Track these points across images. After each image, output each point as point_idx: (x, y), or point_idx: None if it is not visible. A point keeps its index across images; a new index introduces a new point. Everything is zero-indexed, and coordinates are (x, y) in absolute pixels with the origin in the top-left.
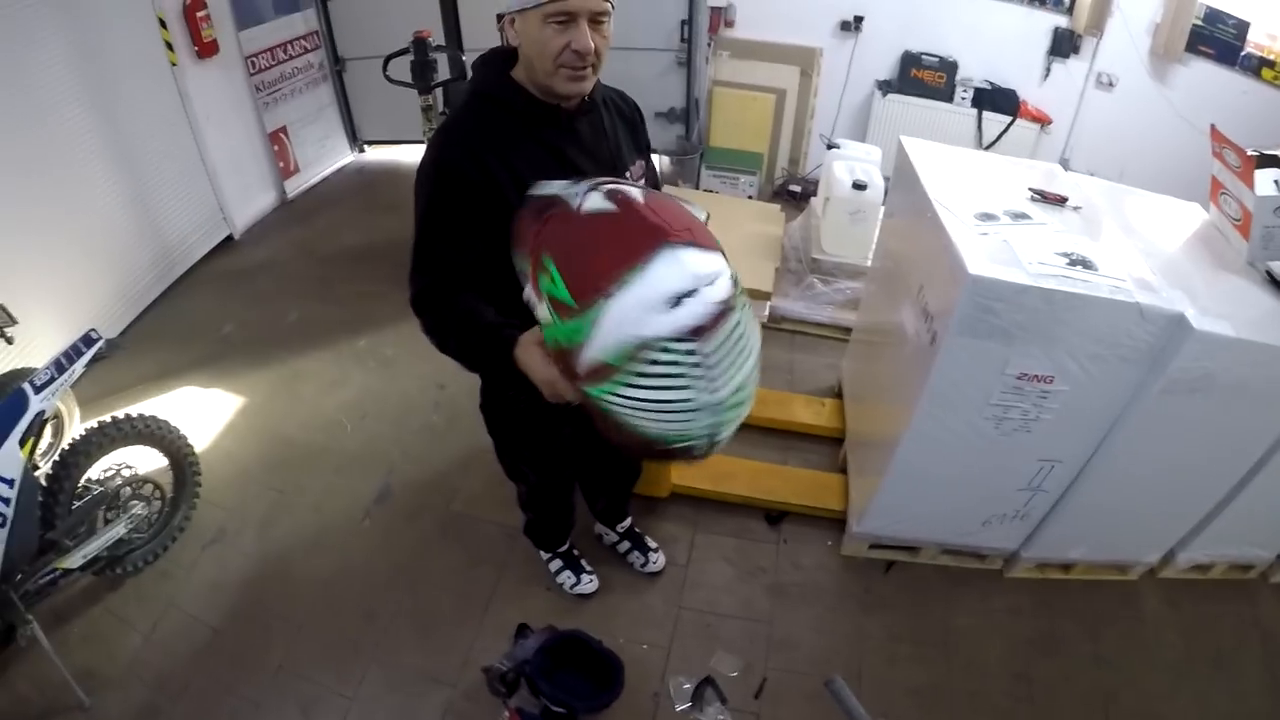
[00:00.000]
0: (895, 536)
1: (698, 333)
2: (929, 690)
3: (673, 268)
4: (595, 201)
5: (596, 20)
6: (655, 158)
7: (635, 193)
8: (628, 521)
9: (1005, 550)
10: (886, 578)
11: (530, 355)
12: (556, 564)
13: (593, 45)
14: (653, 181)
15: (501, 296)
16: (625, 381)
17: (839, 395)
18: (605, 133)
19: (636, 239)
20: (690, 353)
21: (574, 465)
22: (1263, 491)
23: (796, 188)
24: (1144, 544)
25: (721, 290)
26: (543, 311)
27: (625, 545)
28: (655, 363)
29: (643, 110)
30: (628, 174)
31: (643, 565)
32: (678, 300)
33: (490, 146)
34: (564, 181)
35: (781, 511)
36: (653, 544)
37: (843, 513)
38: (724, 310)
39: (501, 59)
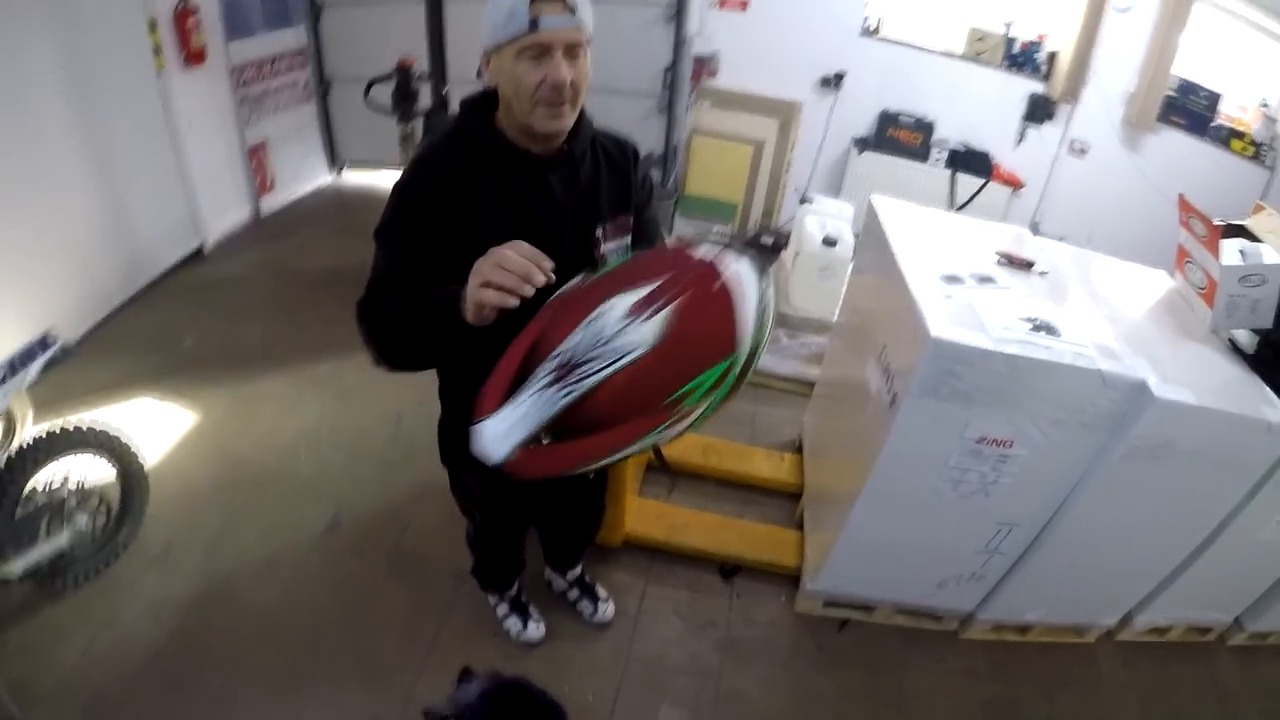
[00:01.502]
0: (850, 595)
1: None
2: None
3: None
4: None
5: (572, 52)
6: None
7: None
8: (578, 569)
9: (961, 611)
10: (840, 635)
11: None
12: (503, 608)
13: (568, 78)
14: (647, 233)
15: None
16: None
17: (799, 450)
18: (579, 187)
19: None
20: None
21: (527, 511)
22: (1221, 555)
23: (768, 239)
24: (1102, 607)
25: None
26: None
27: (575, 593)
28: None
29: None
30: (599, 229)
31: (592, 615)
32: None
33: (455, 180)
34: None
35: (736, 565)
36: (603, 593)
37: (798, 569)
38: None
39: (487, 102)
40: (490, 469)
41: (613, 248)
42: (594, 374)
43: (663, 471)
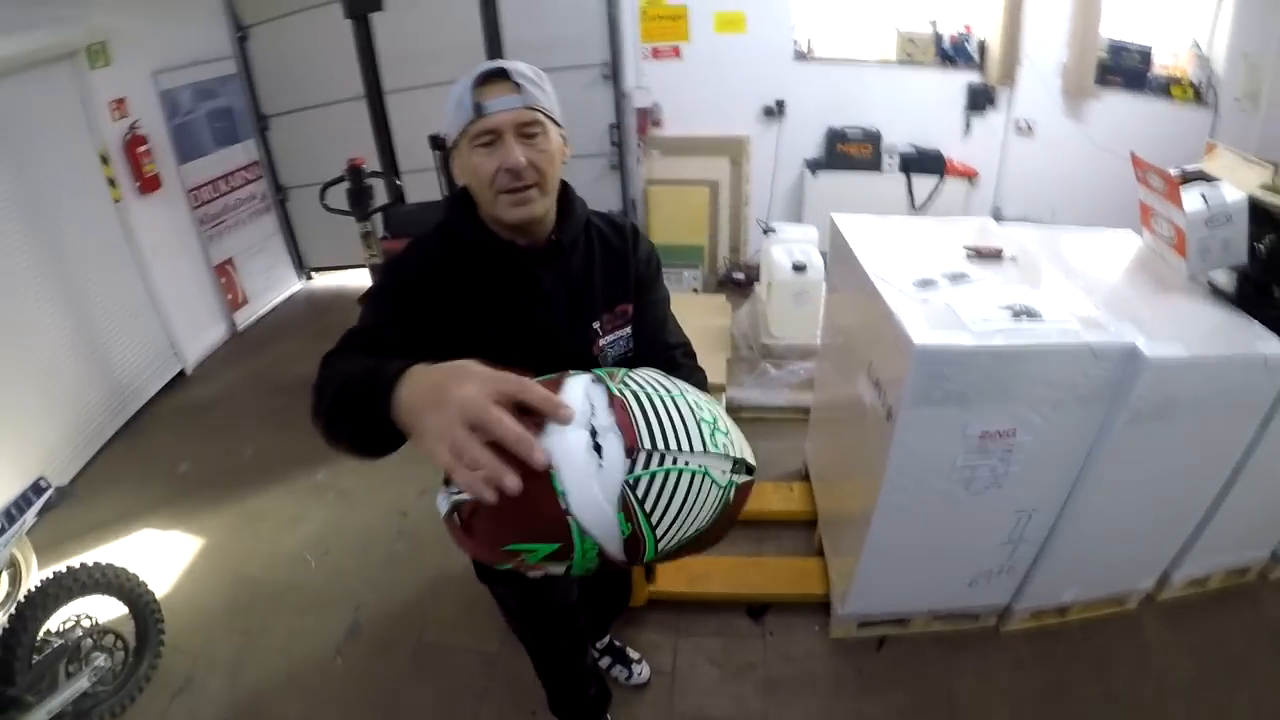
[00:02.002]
0: (883, 612)
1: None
2: None
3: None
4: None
5: (526, 133)
6: None
7: None
8: (607, 638)
9: (997, 606)
10: (880, 655)
11: (427, 379)
12: None
13: (523, 160)
14: (654, 314)
15: None
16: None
17: (806, 478)
18: (571, 279)
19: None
20: None
21: (570, 618)
22: (1245, 495)
23: (740, 275)
24: (1136, 572)
25: None
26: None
27: (607, 660)
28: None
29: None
30: (596, 325)
31: (628, 679)
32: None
33: (444, 269)
34: None
35: (764, 604)
36: (635, 655)
37: (826, 596)
38: None
39: (471, 194)
40: (519, 580)
41: (612, 339)
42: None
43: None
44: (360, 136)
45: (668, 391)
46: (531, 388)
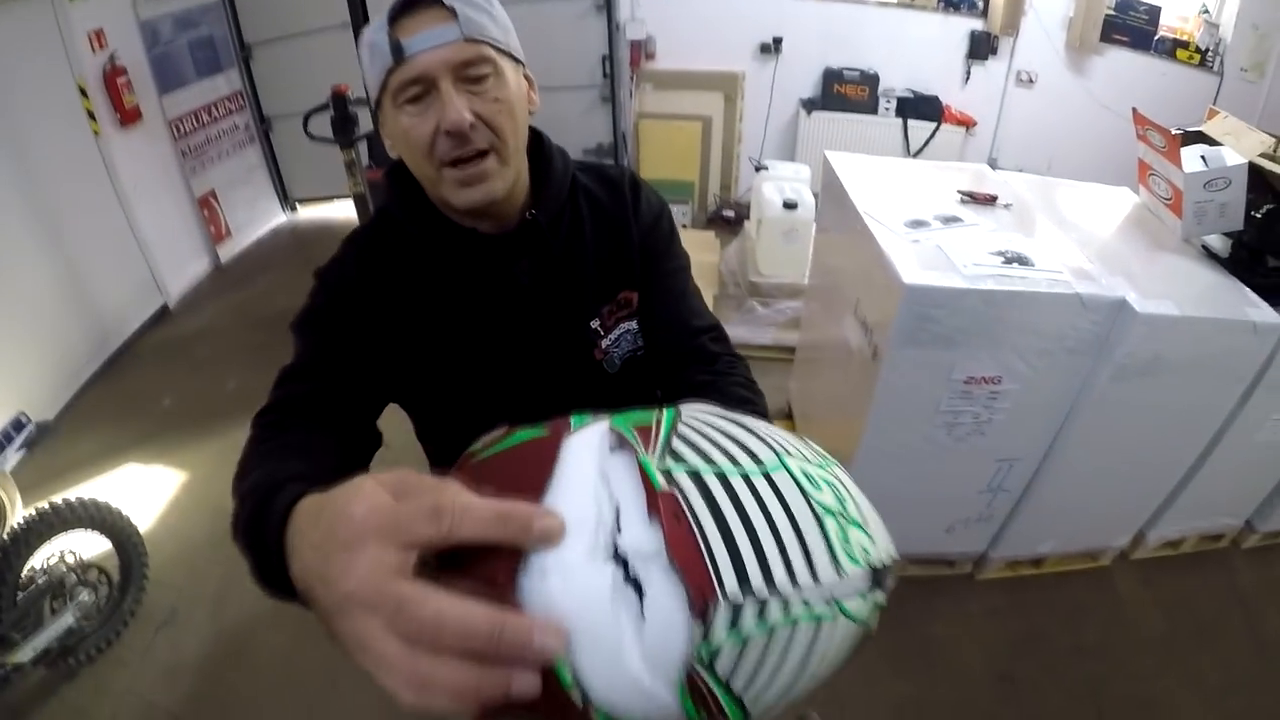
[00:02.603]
0: None
1: None
2: (912, 704)
3: None
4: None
5: (470, 78)
6: None
7: None
8: None
9: (974, 554)
10: None
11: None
12: None
13: (468, 117)
14: (667, 303)
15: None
16: None
17: (789, 416)
18: (557, 269)
19: None
20: None
21: None
22: (1223, 461)
23: (730, 212)
24: (1112, 528)
25: None
26: None
27: None
28: None
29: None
30: (594, 324)
31: None
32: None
33: (387, 269)
34: None
35: None
36: None
37: None
38: None
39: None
40: None
41: (616, 337)
42: None
43: None
44: (345, 64)
45: (754, 461)
46: (467, 515)
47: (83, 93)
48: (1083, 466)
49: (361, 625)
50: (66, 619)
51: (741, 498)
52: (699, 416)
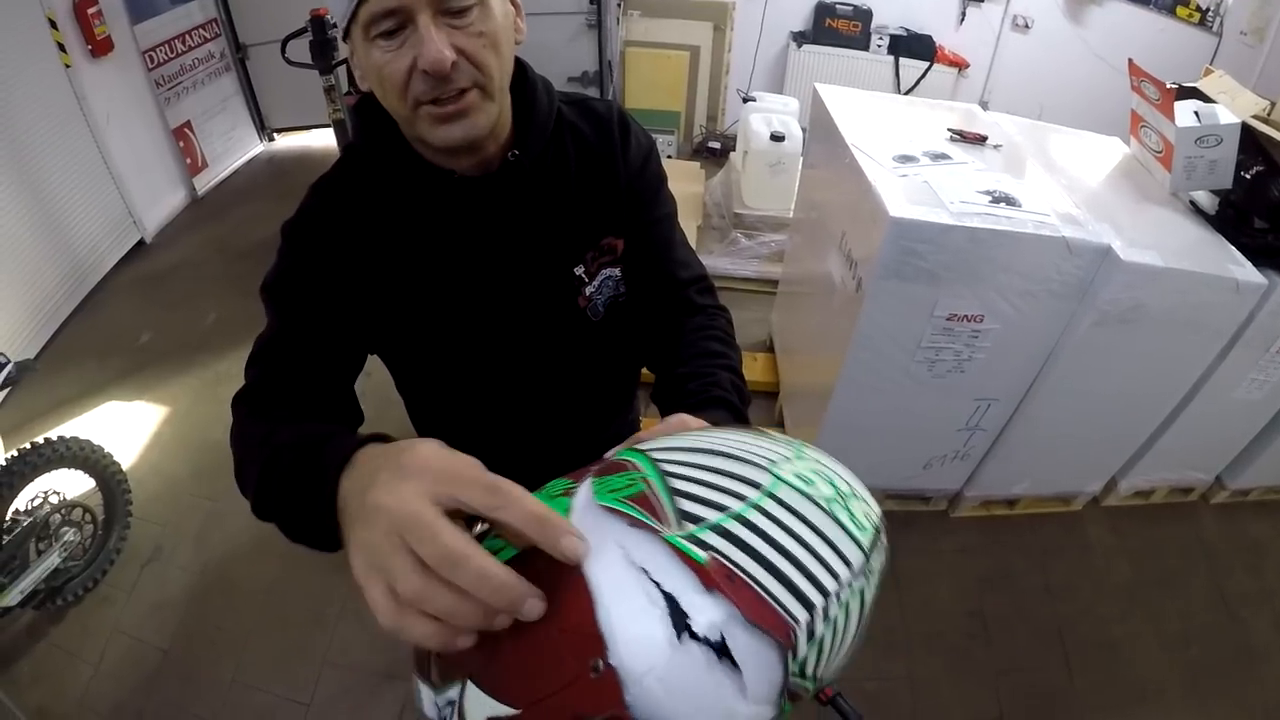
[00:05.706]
0: None
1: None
2: (883, 636)
3: None
4: None
5: (450, 9)
6: None
7: None
8: None
9: (949, 491)
10: None
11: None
12: None
13: (449, 55)
14: (654, 255)
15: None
16: None
17: (771, 349)
18: (539, 212)
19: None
20: None
21: None
22: (1198, 415)
23: (716, 144)
24: (1085, 474)
25: None
26: None
27: None
28: None
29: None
30: (579, 270)
31: None
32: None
33: (358, 214)
34: None
35: None
36: None
37: None
38: None
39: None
40: None
41: (599, 285)
42: None
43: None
44: None
45: (755, 488)
46: (516, 504)
47: (52, 24)
48: (1060, 410)
49: (382, 538)
50: (52, 559)
51: (767, 530)
52: (674, 458)
